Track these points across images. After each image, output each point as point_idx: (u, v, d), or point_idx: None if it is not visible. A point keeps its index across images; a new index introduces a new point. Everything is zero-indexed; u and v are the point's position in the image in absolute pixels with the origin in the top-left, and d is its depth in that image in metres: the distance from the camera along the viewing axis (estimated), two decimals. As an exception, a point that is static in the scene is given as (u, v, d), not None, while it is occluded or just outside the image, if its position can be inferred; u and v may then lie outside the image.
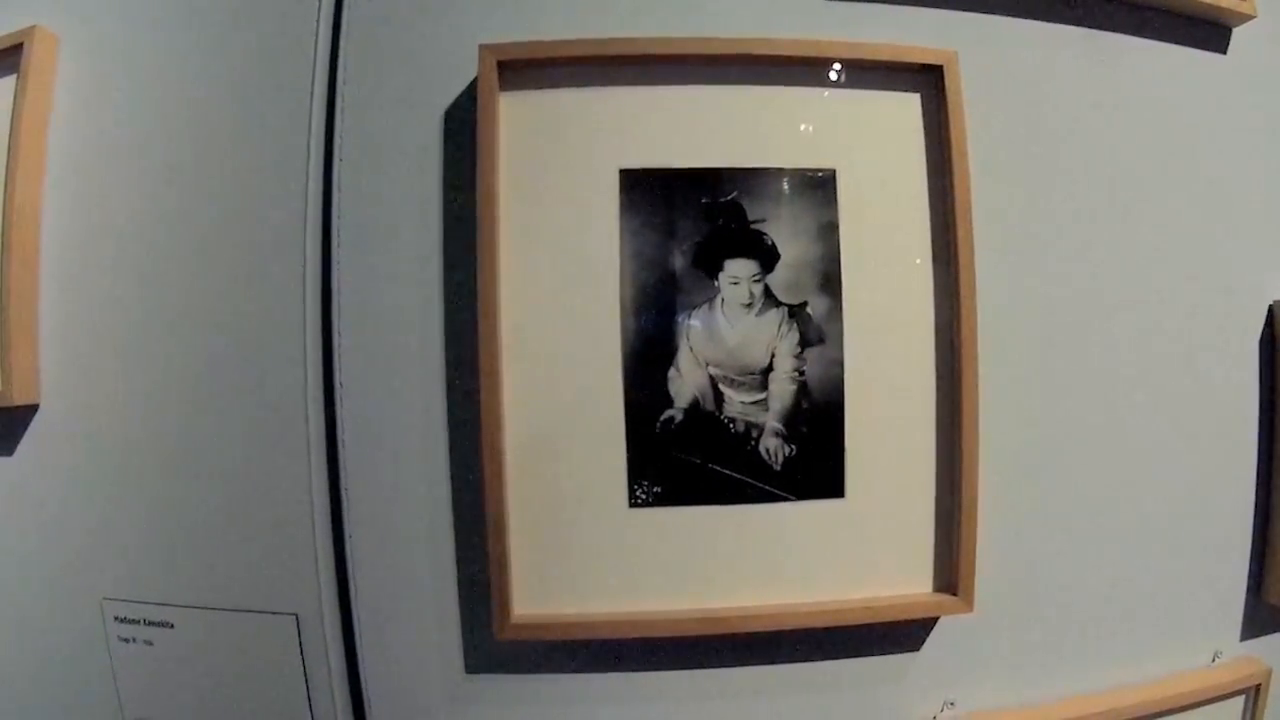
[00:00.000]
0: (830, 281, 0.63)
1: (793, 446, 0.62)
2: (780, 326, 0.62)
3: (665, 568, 0.62)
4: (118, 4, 0.74)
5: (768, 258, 0.62)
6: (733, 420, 0.62)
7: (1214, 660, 0.72)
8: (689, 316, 0.62)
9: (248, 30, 0.71)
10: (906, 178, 0.64)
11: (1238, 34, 0.74)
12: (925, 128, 0.65)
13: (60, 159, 0.74)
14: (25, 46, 0.74)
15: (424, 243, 0.64)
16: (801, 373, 0.62)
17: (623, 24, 0.64)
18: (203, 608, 0.68)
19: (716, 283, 0.62)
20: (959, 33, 0.66)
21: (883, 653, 0.66)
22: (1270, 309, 0.73)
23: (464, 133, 0.64)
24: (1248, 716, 0.72)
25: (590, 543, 0.62)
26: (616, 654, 0.64)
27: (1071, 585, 0.68)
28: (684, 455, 0.62)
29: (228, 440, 0.68)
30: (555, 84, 0.63)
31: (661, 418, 0.61)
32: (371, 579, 0.65)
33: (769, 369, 0.62)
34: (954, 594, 0.63)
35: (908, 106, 0.65)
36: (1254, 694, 0.72)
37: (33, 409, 0.73)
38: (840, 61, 0.64)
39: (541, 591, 0.62)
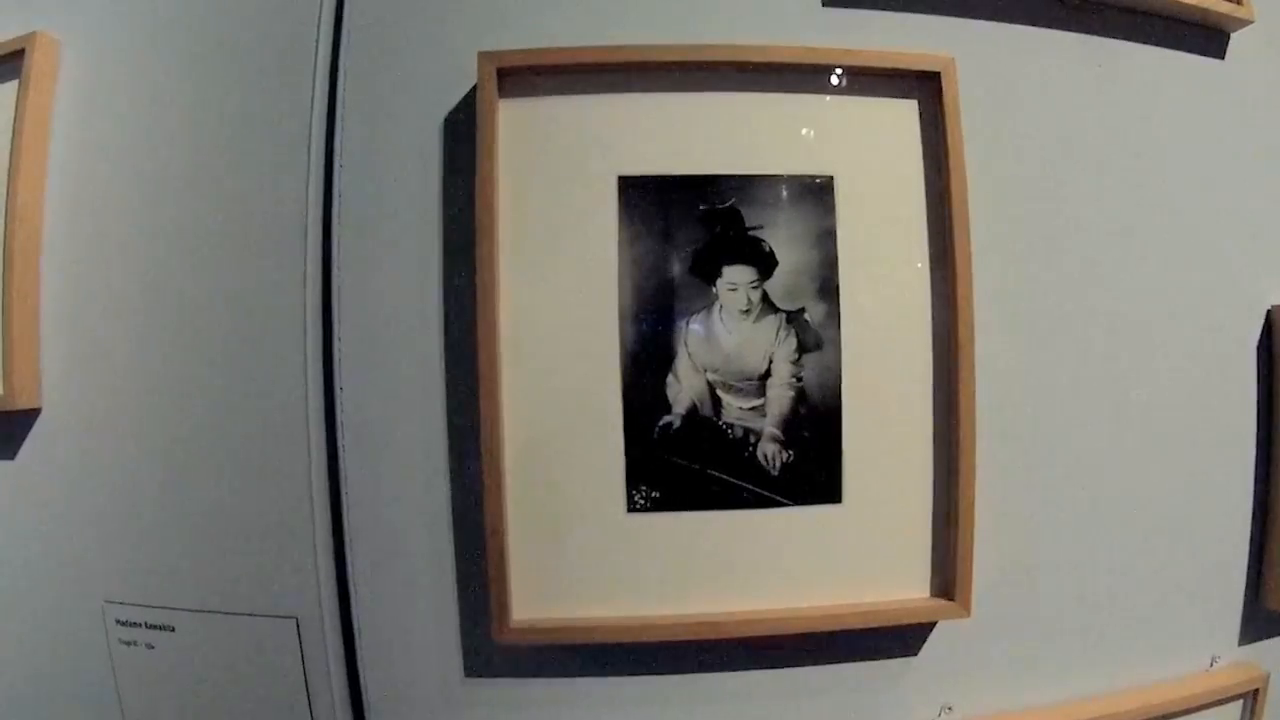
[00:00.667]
0: (828, 288, 0.63)
1: (790, 452, 0.62)
2: (778, 332, 0.62)
3: (663, 572, 0.62)
4: (120, 10, 0.75)
5: (766, 264, 0.62)
6: (730, 426, 0.62)
7: (1212, 665, 0.72)
8: (687, 323, 0.62)
9: (249, 36, 0.71)
10: (904, 184, 0.65)
11: (1235, 39, 0.74)
12: (923, 134, 0.65)
13: (62, 163, 0.74)
14: (27, 51, 0.75)
15: (424, 249, 0.65)
16: (799, 379, 0.62)
17: (622, 32, 0.65)
18: (204, 611, 0.69)
19: (714, 289, 0.62)
20: (957, 39, 0.67)
21: (880, 657, 0.66)
22: (1268, 314, 0.74)
23: (464, 139, 0.64)
24: (1245, 721, 0.73)
25: (588, 547, 0.62)
26: (614, 658, 0.64)
27: (1069, 590, 0.68)
28: (682, 460, 0.62)
29: (228, 444, 0.68)
30: (554, 91, 0.63)
31: (660, 423, 0.62)
32: (371, 582, 0.65)
33: (767, 375, 0.62)
34: (951, 599, 0.63)
35: (905, 113, 0.65)
36: (1252, 699, 0.72)
37: (34, 413, 0.74)
38: (838, 68, 0.64)
39: (540, 595, 0.62)
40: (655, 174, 0.63)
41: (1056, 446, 0.68)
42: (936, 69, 0.64)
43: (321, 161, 0.66)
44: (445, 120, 0.65)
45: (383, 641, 0.65)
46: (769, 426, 0.62)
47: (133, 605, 0.71)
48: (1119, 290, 0.70)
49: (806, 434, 0.62)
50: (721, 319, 0.62)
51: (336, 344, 0.65)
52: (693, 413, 0.62)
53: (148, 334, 0.71)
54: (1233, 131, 0.74)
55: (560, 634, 0.61)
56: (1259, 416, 0.73)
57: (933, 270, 0.64)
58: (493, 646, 0.62)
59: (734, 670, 0.65)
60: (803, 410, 0.62)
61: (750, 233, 0.62)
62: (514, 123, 0.63)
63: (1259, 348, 0.73)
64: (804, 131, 0.64)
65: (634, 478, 0.62)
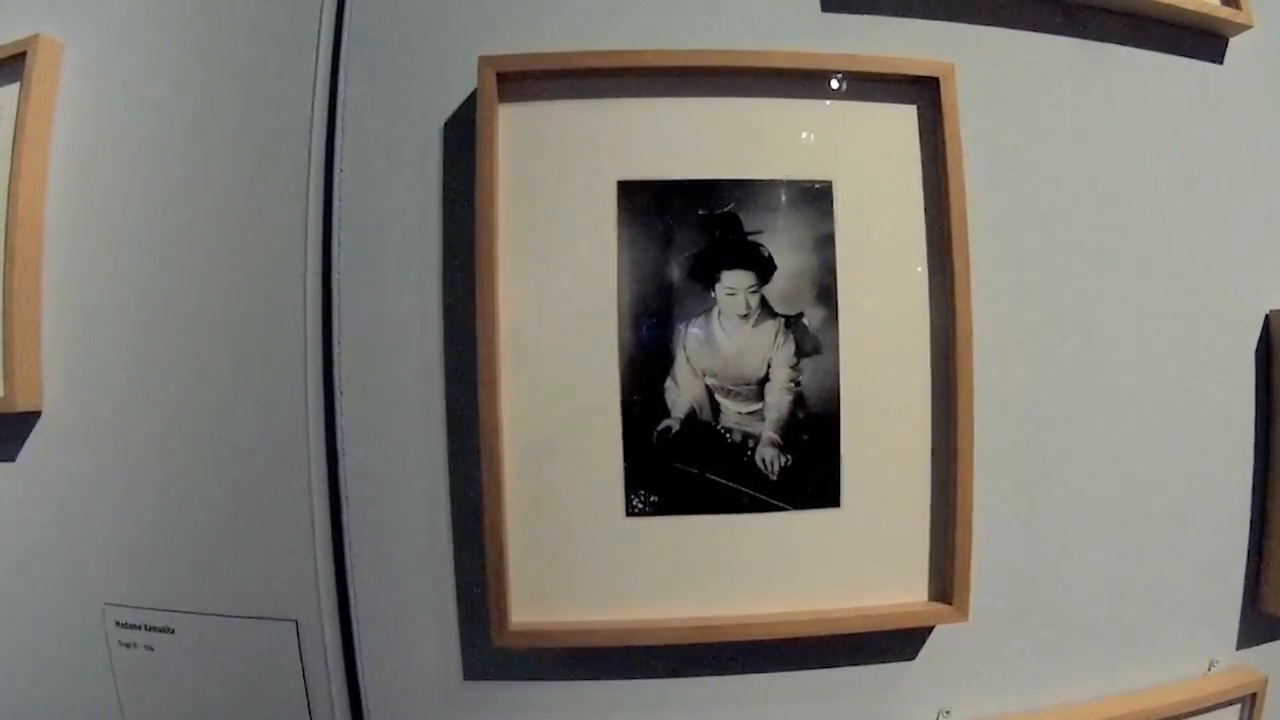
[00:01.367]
0: (827, 292, 0.63)
1: (789, 456, 0.63)
2: (776, 337, 0.62)
3: (662, 576, 0.63)
4: (122, 14, 0.75)
5: (764, 269, 0.63)
6: (729, 430, 0.62)
7: (1209, 669, 0.73)
8: (686, 327, 0.62)
9: (250, 40, 0.71)
10: (903, 189, 0.65)
11: (1234, 44, 0.74)
12: (922, 139, 0.65)
13: (63, 166, 0.75)
14: (29, 54, 0.75)
15: (424, 252, 0.65)
16: (798, 383, 0.63)
17: (621, 37, 0.65)
18: (203, 613, 0.69)
19: (713, 294, 0.62)
20: (956, 44, 0.67)
21: (879, 661, 0.66)
22: (1267, 318, 0.74)
23: (464, 143, 0.64)
24: (1243, 725, 0.73)
25: (587, 551, 0.62)
26: (613, 661, 0.64)
27: (1067, 594, 0.69)
28: (681, 465, 0.62)
29: (228, 446, 0.68)
30: (554, 96, 0.64)
31: (659, 428, 0.62)
32: (371, 585, 0.65)
33: (765, 379, 0.62)
34: (949, 603, 0.63)
35: (904, 118, 0.65)
36: (1249, 703, 0.72)
37: (35, 415, 0.74)
38: (837, 73, 0.64)
39: (539, 599, 0.62)
40: (654, 179, 0.63)
41: (1054, 451, 0.68)
42: (935, 74, 0.64)
43: (322, 164, 0.67)
44: (445, 124, 0.65)
45: (382, 644, 0.65)
46: (768, 431, 0.62)
47: (132, 608, 0.71)
48: (1117, 295, 0.70)
49: (805, 438, 0.63)
50: (720, 323, 0.62)
51: (336, 348, 0.65)
52: (691, 417, 0.62)
53: (148, 337, 0.71)
54: (1231, 136, 0.74)
55: (559, 637, 0.62)
56: (1257, 421, 0.73)
57: (931, 275, 0.64)
58: (491, 650, 0.62)
59: (732, 674, 0.65)
60: (801, 415, 0.63)
61: (749, 237, 0.63)
62: (514, 127, 0.63)
63: (1257, 352, 0.74)
64: (803, 136, 0.64)
65: (633, 482, 0.62)
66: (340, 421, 0.65)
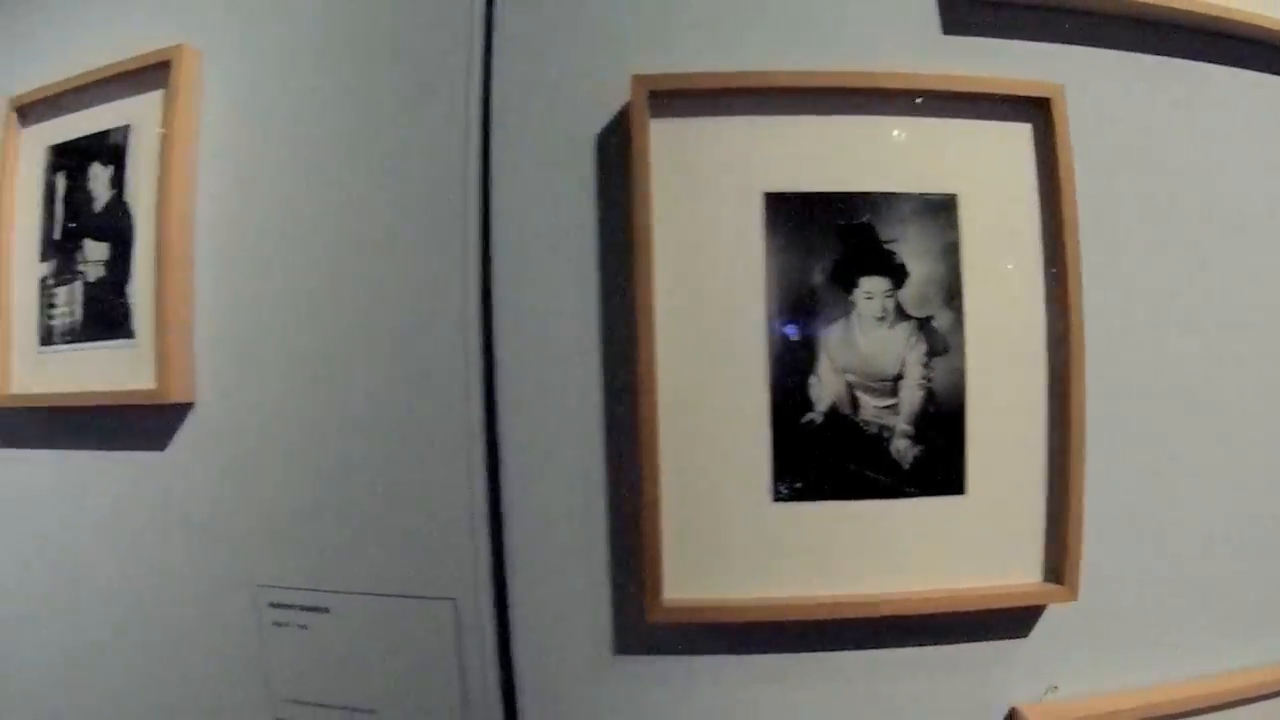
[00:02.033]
0: (953, 297, 0.68)
1: (920, 447, 0.68)
2: (909, 338, 0.68)
3: (803, 557, 0.67)
4: (271, 26, 0.79)
5: (898, 275, 0.68)
6: (867, 423, 0.67)
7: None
8: (827, 328, 0.67)
9: (401, 56, 0.75)
10: (1021, 201, 0.70)
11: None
12: (1037, 155, 0.70)
13: (213, 167, 0.79)
14: (173, 63, 0.80)
15: (580, 249, 0.70)
16: (929, 380, 0.68)
17: (762, 58, 0.70)
18: (361, 593, 0.73)
19: (851, 298, 0.67)
20: (1067, 65, 0.72)
21: (995, 638, 0.71)
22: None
23: (615, 157, 0.69)
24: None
25: (735, 533, 0.67)
26: (756, 637, 0.69)
27: (1173, 576, 0.73)
28: (823, 454, 0.67)
29: (386, 433, 0.72)
30: (700, 112, 0.68)
31: (803, 420, 0.67)
32: (528, 564, 0.69)
33: (899, 376, 0.68)
34: (1061, 583, 0.69)
35: (1020, 136, 0.71)
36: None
37: (188, 407, 0.78)
38: (957, 94, 0.70)
39: (689, 578, 0.67)
40: (798, 191, 0.68)
41: (1162, 443, 0.73)
42: (1046, 95, 0.69)
43: (478, 174, 0.71)
44: (596, 137, 0.70)
45: (536, 620, 0.70)
46: (901, 423, 0.67)
47: (285, 588, 0.75)
48: (1222, 303, 0.74)
49: (934, 431, 0.68)
50: (858, 325, 0.67)
51: (496, 334, 0.70)
52: (833, 410, 0.67)
53: (302, 328, 0.75)
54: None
55: (709, 614, 0.66)
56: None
57: (1047, 280, 0.70)
58: (643, 626, 0.67)
59: (861, 649, 0.70)
60: (931, 409, 0.68)
61: (885, 246, 0.68)
62: (664, 142, 0.68)
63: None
64: (930, 152, 0.70)
65: (779, 470, 0.67)
66: (499, 407, 0.70)
